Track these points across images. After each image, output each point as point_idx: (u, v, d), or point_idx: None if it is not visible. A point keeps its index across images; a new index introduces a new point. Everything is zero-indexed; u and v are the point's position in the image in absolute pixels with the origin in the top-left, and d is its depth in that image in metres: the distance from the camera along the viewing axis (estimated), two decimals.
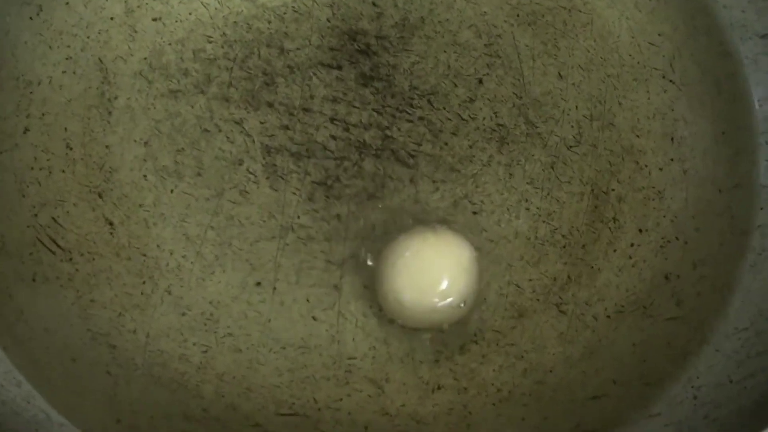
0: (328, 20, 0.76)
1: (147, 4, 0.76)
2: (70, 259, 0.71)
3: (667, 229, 0.73)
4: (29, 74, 0.74)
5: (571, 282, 0.72)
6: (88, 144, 0.73)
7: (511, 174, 0.74)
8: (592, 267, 0.72)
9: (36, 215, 0.72)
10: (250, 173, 0.73)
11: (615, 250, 0.73)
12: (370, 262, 0.71)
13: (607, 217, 0.73)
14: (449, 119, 0.75)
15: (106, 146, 0.73)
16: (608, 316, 0.71)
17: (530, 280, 0.72)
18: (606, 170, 0.74)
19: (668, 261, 0.73)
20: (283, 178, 0.73)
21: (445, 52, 0.76)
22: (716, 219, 0.73)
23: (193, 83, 0.75)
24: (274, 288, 0.71)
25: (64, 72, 0.75)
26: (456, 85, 0.75)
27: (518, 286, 0.71)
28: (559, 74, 0.76)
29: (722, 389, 0.69)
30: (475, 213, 0.72)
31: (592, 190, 0.74)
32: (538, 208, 0.73)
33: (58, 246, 0.71)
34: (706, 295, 0.72)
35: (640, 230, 0.73)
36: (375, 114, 0.74)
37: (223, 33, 0.76)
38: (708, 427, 0.67)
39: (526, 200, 0.73)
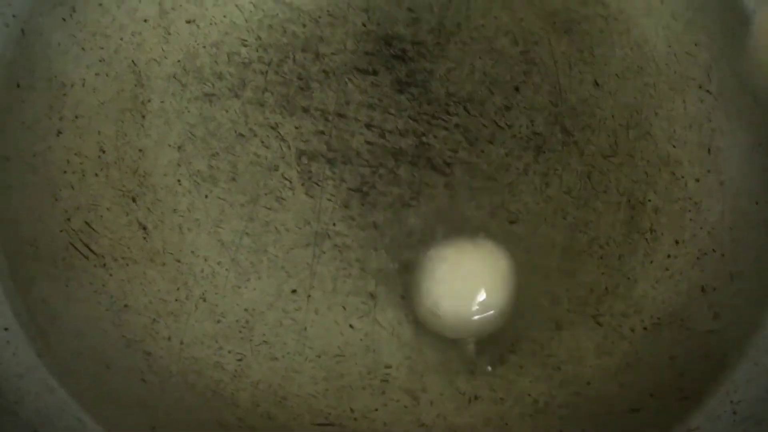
0: (364, 25, 0.77)
1: (181, 6, 0.76)
2: (104, 265, 0.71)
3: (703, 240, 0.74)
4: (62, 76, 0.75)
5: (607, 293, 0.72)
6: (122, 147, 0.74)
7: (547, 183, 0.74)
8: (629, 278, 0.73)
9: (69, 219, 0.72)
10: (286, 179, 0.73)
11: (652, 262, 0.73)
12: (406, 271, 0.71)
13: (644, 228, 0.74)
14: (485, 126, 0.75)
15: (140, 150, 0.74)
16: (645, 328, 0.72)
17: (567, 290, 0.72)
18: (642, 180, 0.75)
19: (705, 273, 0.73)
20: (318, 185, 0.73)
21: (481, 58, 0.77)
22: (753, 231, 0.74)
23: (227, 87, 0.75)
24: (309, 296, 0.71)
25: (97, 74, 0.75)
26: (492, 93, 0.76)
27: (555, 297, 0.72)
28: (596, 82, 0.77)
29: (762, 404, 0.69)
30: (511, 222, 0.73)
31: (629, 200, 0.74)
32: (574, 217, 0.73)
33: (92, 251, 0.72)
34: (743, 308, 0.72)
35: (677, 242, 0.73)
36: (411, 121, 0.75)
37: (258, 36, 0.76)
38: None
39: (563, 210, 0.74)
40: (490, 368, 0.71)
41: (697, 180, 0.75)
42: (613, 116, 0.76)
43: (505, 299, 0.69)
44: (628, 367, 0.71)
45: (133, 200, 0.73)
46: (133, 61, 0.75)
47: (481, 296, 0.69)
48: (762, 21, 0.75)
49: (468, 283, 0.69)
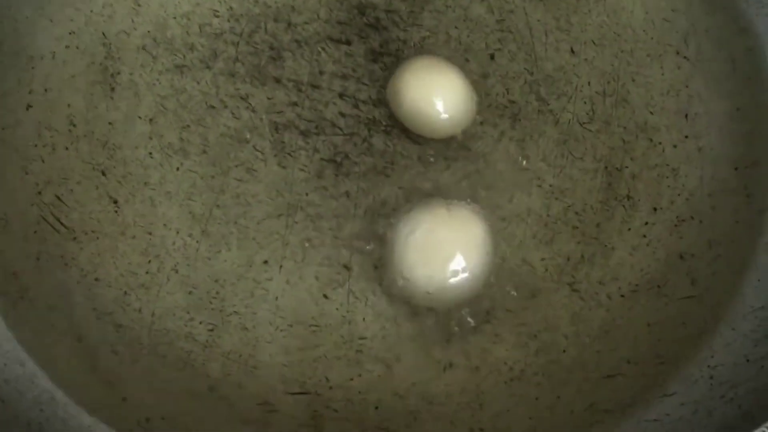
0: None
1: None
2: (75, 238, 0.72)
3: (681, 207, 0.74)
4: (31, 49, 0.76)
5: (584, 261, 0.73)
6: (92, 121, 0.75)
7: (523, 151, 0.75)
8: (606, 246, 0.74)
9: (40, 193, 0.73)
10: (257, 150, 0.74)
11: (629, 229, 0.74)
12: (380, 240, 0.72)
13: (621, 195, 0.74)
14: None
15: (110, 123, 0.75)
16: (622, 296, 0.72)
17: (543, 259, 0.73)
18: (619, 147, 0.75)
19: (683, 240, 0.74)
20: (291, 155, 0.74)
21: (456, 27, 0.77)
22: (732, 197, 0.74)
23: (198, 58, 0.76)
24: (281, 266, 0.72)
25: (66, 47, 0.76)
26: (467, 61, 0.77)
27: (531, 265, 0.73)
28: (572, 50, 0.77)
29: (739, 369, 0.70)
30: (487, 189, 0.73)
31: (606, 167, 0.75)
32: (550, 185, 0.74)
33: (62, 224, 0.72)
34: (721, 274, 0.73)
35: (655, 209, 0.74)
36: (384, 90, 0.75)
37: (230, 7, 0.77)
38: (725, 407, 0.68)
39: (539, 178, 0.74)
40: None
41: (675, 146, 0.76)
42: (589, 83, 0.77)
43: (479, 267, 0.70)
44: (605, 334, 0.72)
45: (104, 174, 0.73)
46: (103, 33, 0.76)
47: (456, 264, 0.69)
48: None
49: (443, 250, 0.69)
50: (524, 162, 0.74)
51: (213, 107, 0.74)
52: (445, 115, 0.71)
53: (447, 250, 0.69)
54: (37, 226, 0.72)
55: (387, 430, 0.69)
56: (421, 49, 0.76)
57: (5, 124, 0.74)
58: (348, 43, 0.76)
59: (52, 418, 0.68)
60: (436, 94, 0.71)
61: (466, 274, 0.69)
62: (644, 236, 0.73)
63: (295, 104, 0.75)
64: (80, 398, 0.69)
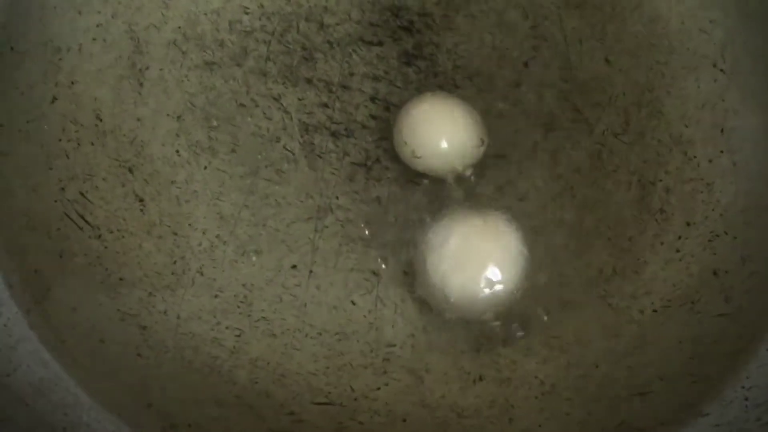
0: None
1: None
2: (99, 236, 0.71)
3: (715, 222, 0.74)
4: (58, 41, 0.75)
5: (616, 274, 0.72)
6: (119, 116, 0.74)
7: (556, 161, 0.74)
8: (639, 259, 0.73)
9: (63, 189, 0.72)
10: (288, 151, 0.73)
11: (662, 243, 0.73)
12: (410, 248, 0.71)
13: (654, 209, 0.74)
14: (494, 102, 0.75)
15: (138, 119, 0.74)
16: (654, 311, 0.72)
17: (575, 270, 0.72)
18: (653, 160, 0.75)
19: (717, 256, 0.73)
20: (321, 158, 0.73)
21: (490, 32, 0.77)
22: (766, 214, 0.74)
23: (229, 55, 0.75)
24: (311, 271, 0.71)
25: (94, 39, 0.75)
26: (501, 67, 0.76)
27: (563, 277, 0.72)
28: (607, 59, 0.77)
29: None
30: (520, 200, 0.73)
31: (639, 180, 0.74)
32: (583, 196, 0.74)
33: (87, 222, 0.71)
34: (756, 291, 0.72)
35: (688, 223, 0.73)
36: (417, 94, 0.74)
37: (261, 4, 0.76)
38: (761, 429, 0.67)
39: (572, 188, 0.74)
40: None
41: (710, 161, 0.75)
42: (624, 94, 0.76)
43: (512, 277, 0.69)
44: (637, 350, 0.71)
45: (130, 171, 0.72)
46: (131, 26, 0.75)
47: (490, 274, 0.68)
48: None
49: (477, 260, 0.68)
50: (558, 172, 0.73)
51: (243, 106, 0.73)
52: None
53: (480, 259, 0.68)
54: (61, 223, 0.71)
55: None
56: (455, 54, 0.75)
57: (30, 117, 0.72)
58: (380, 44, 0.76)
59: (77, 423, 0.67)
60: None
61: (498, 285, 0.68)
62: (677, 251, 0.73)
63: (326, 105, 0.74)
64: (104, 402, 0.68)
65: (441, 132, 0.70)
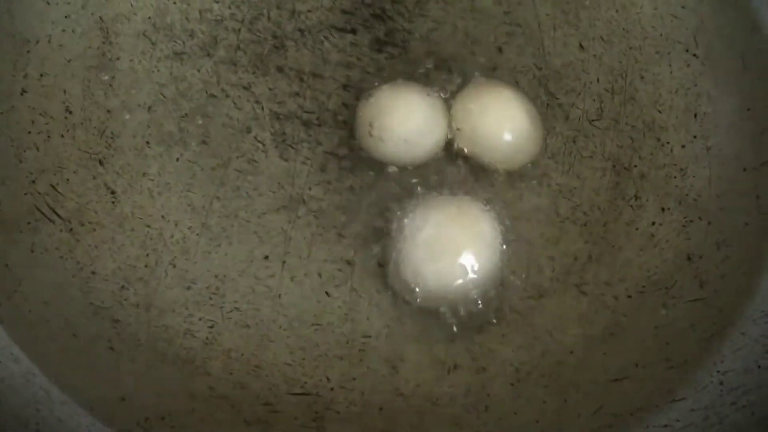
0: None
1: None
2: (70, 229, 0.71)
3: (690, 208, 0.74)
4: (27, 32, 0.75)
5: (591, 261, 0.73)
6: (89, 108, 0.74)
7: None
8: (613, 246, 0.74)
9: (34, 182, 0.72)
10: (259, 141, 0.73)
11: (637, 229, 0.74)
12: (385, 237, 0.71)
13: (629, 195, 0.74)
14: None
15: (108, 110, 0.74)
16: (629, 297, 0.72)
17: (551, 258, 0.73)
18: (628, 146, 0.75)
19: (691, 241, 0.74)
20: (293, 148, 0.73)
21: (462, 18, 0.77)
22: (741, 198, 0.75)
23: (198, 45, 0.75)
24: (284, 262, 0.71)
25: (63, 31, 0.75)
26: (474, 53, 0.76)
27: (538, 265, 0.73)
28: (581, 45, 0.77)
29: (750, 375, 0.70)
30: (495, 187, 0.73)
31: (614, 166, 0.75)
32: (558, 184, 0.74)
33: (58, 215, 0.71)
34: (730, 276, 0.73)
35: (663, 209, 0.74)
36: (390, 81, 0.75)
37: None
38: (737, 414, 0.68)
39: (547, 175, 0.74)
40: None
41: (683, 146, 0.76)
42: (598, 80, 0.77)
43: (487, 266, 0.69)
44: (612, 336, 0.71)
45: (101, 163, 0.72)
46: (100, 17, 0.75)
47: (463, 262, 0.69)
48: None
49: (451, 249, 0.69)
50: (533, 159, 0.74)
51: (214, 96, 0.74)
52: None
53: (455, 248, 0.69)
54: (31, 217, 0.71)
55: None
56: (428, 41, 0.75)
57: None
58: (353, 32, 0.76)
59: (49, 418, 0.67)
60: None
61: (473, 273, 0.69)
62: (652, 236, 0.74)
63: (297, 94, 0.74)
64: (77, 397, 0.68)
65: (406, 121, 0.70)
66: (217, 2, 0.75)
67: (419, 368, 0.70)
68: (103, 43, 0.74)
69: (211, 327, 0.70)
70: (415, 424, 0.69)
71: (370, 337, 0.70)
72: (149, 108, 0.73)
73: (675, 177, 0.75)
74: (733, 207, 0.75)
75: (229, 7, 0.75)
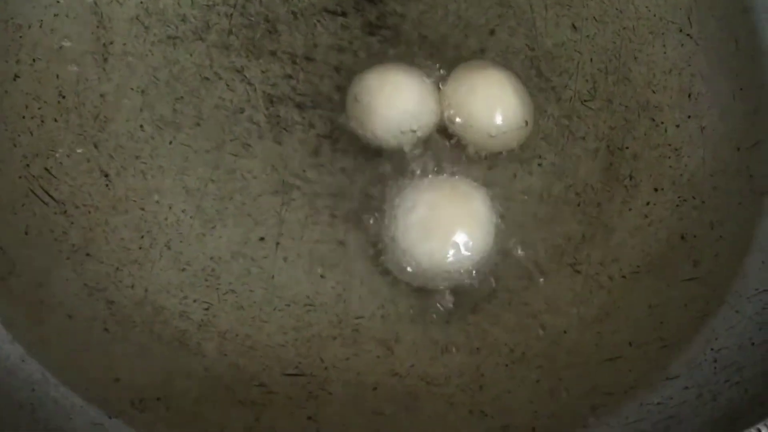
0: None
1: None
2: (65, 212, 0.72)
3: (683, 188, 0.75)
4: (19, 17, 0.75)
5: (585, 241, 0.73)
6: (82, 92, 0.74)
7: None
8: (607, 226, 0.74)
9: (28, 165, 0.73)
10: (252, 124, 0.74)
11: (630, 209, 0.74)
12: (378, 217, 0.71)
13: (623, 175, 0.75)
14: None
15: (101, 95, 0.74)
16: (623, 277, 0.73)
17: (544, 239, 0.73)
18: (621, 126, 0.76)
19: (684, 221, 0.74)
20: (286, 130, 0.74)
21: (454, 1, 0.77)
22: (734, 178, 0.75)
23: (191, 30, 0.76)
24: (278, 243, 0.72)
25: (55, 15, 0.76)
26: (466, 36, 0.77)
27: (532, 245, 0.73)
28: (573, 26, 0.78)
29: (744, 352, 0.70)
30: (489, 168, 0.73)
31: (607, 146, 0.75)
32: (552, 164, 0.75)
33: (52, 198, 0.72)
34: (724, 255, 0.74)
35: (656, 189, 0.75)
36: (381, 63, 0.75)
37: None
38: (731, 391, 0.68)
39: (540, 156, 0.75)
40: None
41: (677, 126, 0.76)
42: (591, 60, 0.77)
43: (481, 245, 0.70)
44: (606, 316, 0.72)
45: (95, 146, 0.73)
46: (94, 1, 0.75)
47: (457, 241, 0.69)
48: None
49: (443, 227, 0.69)
50: (525, 139, 0.74)
51: (207, 79, 0.74)
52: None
53: (448, 227, 0.69)
54: (26, 200, 0.72)
55: (385, 412, 0.69)
56: (420, 23, 0.76)
57: None
58: (344, 15, 0.76)
59: (45, 399, 0.68)
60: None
61: (467, 253, 0.69)
62: (645, 216, 0.74)
63: (290, 77, 0.75)
64: (72, 378, 0.68)
65: (398, 103, 0.71)
66: None
67: (413, 348, 0.71)
68: (97, 27, 0.75)
69: (206, 309, 0.70)
70: (409, 404, 0.70)
71: (363, 317, 0.71)
72: (143, 91, 0.74)
73: (669, 157, 0.75)
74: (726, 186, 0.75)
75: None
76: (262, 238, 0.72)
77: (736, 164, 0.75)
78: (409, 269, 0.70)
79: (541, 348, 0.71)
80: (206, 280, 0.71)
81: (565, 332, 0.71)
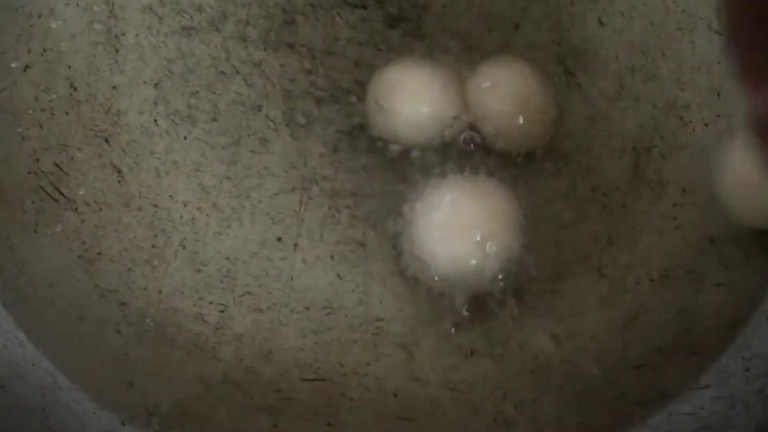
0: None
1: None
2: (76, 209, 0.71)
3: (713, 189, 0.73)
4: (29, 6, 0.74)
5: (611, 244, 0.72)
6: (94, 84, 0.73)
7: None
8: (634, 228, 0.73)
9: (38, 160, 0.71)
10: (270, 120, 0.72)
11: (658, 211, 0.73)
12: (399, 217, 0.70)
13: (650, 176, 0.73)
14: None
15: (114, 87, 0.73)
16: (651, 281, 0.72)
17: (569, 240, 0.72)
18: (648, 125, 0.74)
19: (715, 224, 0.72)
20: (305, 126, 0.73)
21: None
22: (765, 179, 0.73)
23: (207, 20, 0.74)
24: (296, 244, 0.71)
25: (67, 4, 0.74)
26: (490, 30, 0.75)
27: (557, 248, 0.72)
28: (600, 21, 0.76)
29: None
30: (513, 167, 0.72)
31: (634, 146, 0.74)
32: (577, 163, 0.73)
33: (62, 194, 0.70)
34: (755, 259, 0.72)
35: (684, 190, 0.73)
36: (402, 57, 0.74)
37: None
38: (763, 402, 0.67)
39: (565, 156, 0.73)
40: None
41: (706, 125, 0.75)
42: (617, 57, 0.75)
43: (505, 247, 0.68)
44: (634, 321, 0.71)
45: (107, 141, 0.71)
46: None
47: (481, 243, 0.67)
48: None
49: (468, 227, 0.68)
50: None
51: (223, 73, 0.73)
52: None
53: (471, 228, 0.68)
54: (35, 196, 0.70)
55: (406, 419, 0.68)
56: (442, 16, 0.74)
57: (1, 86, 0.71)
58: (364, 7, 0.75)
59: (55, 404, 0.66)
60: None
61: (490, 254, 0.67)
62: (674, 219, 0.73)
63: (309, 72, 0.73)
64: (84, 383, 0.67)
65: (419, 99, 0.69)
66: None
67: (434, 353, 0.70)
68: (109, 17, 0.73)
69: (222, 311, 0.69)
70: (430, 410, 0.69)
71: (383, 320, 0.70)
72: (156, 84, 0.72)
73: (698, 157, 0.73)
74: None
75: None
76: (279, 239, 0.70)
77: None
78: (430, 271, 0.68)
79: (566, 354, 0.70)
80: (222, 282, 0.70)
81: (591, 337, 0.70)
